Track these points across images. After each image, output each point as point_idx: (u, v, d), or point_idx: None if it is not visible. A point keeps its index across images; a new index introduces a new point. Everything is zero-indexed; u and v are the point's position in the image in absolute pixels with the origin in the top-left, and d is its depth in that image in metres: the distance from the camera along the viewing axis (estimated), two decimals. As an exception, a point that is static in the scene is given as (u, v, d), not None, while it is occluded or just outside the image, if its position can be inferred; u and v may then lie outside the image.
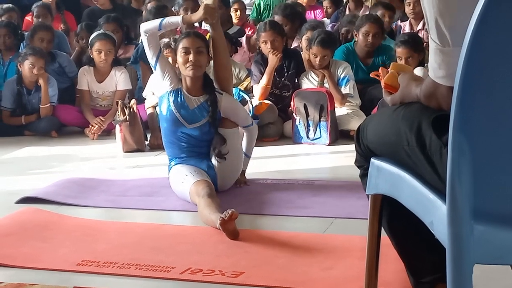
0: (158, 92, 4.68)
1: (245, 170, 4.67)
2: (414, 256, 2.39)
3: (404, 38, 6.28)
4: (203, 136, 4.46)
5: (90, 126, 6.45)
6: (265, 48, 6.30)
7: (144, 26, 4.55)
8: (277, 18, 7.23)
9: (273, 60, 6.21)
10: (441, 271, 2.22)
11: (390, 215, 2.34)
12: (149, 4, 7.91)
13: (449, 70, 1.94)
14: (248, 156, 4.64)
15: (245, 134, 4.60)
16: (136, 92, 6.85)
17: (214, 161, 4.44)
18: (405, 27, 7.72)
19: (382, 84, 2.39)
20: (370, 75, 2.66)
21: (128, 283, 3.17)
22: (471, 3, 1.81)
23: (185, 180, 4.25)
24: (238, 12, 8.24)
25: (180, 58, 4.44)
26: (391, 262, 2.84)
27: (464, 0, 1.87)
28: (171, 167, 4.47)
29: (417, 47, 6.16)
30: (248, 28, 8.21)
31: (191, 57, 4.40)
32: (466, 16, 1.83)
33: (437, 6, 1.91)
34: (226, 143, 4.44)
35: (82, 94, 6.70)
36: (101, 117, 6.46)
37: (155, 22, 4.52)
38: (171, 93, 4.47)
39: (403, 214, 2.16)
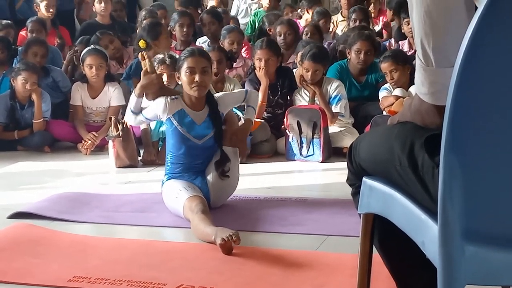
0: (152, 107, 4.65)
1: (252, 121, 4.72)
2: (405, 275, 2.39)
3: (385, 54, 6.40)
4: (206, 151, 4.47)
5: (83, 142, 6.45)
6: (259, 65, 6.32)
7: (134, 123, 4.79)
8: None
9: (264, 80, 6.24)
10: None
11: (382, 233, 2.34)
12: (144, 21, 7.92)
13: (431, 89, 1.97)
14: (253, 108, 4.72)
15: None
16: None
17: (209, 177, 4.44)
18: (404, 45, 7.76)
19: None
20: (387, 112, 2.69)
21: (119, 299, 3.17)
22: (456, 28, 1.83)
23: (178, 195, 4.24)
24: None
25: (184, 77, 4.45)
26: (382, 280, 2.84)
27: (449, 24, 1.89)
28: (164, 182, 4.47)
29: (399, 59, 6.25)
30: (242, 45, 8.21)
31: (196, 77, 4.42)
32: (451, 40, 1.85)
33: (422, 27, 1.92)
34: (230, 161, 4.45)
35: (76, 110, 6.70)
36: (94, 133, 6.46)
37: (131, 117, 4.66)
38: (174, 116, 4.46)
39: (395, 233, 2.16)
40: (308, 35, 7.59)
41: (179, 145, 4.47)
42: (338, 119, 6.27)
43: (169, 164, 4.51)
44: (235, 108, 5.81)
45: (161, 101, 4.52)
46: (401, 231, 2.08)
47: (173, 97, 4.55)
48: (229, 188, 4.57)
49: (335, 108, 6.25)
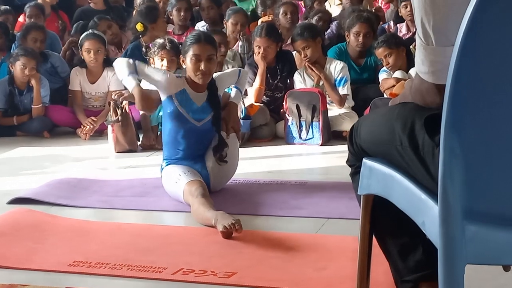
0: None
1: (236, 104, 4.66)
2: (397, 255, 2.39)
3: (378, 40, 6.37)
4: (204, 134, 4.45)
5: (82, 127, 6.44)
6: (258, 51, 6.31)
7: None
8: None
9: (261, 63, 6.23)
10: (426, 269, 2.22)
11: (375, 215, 2.34)
12: (141, 6, 7.89)
13: (431, 67, 1.97)
14: (240, 91, 4.69)
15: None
16: (127, 94, 6.82)
17: (208, 163, 4.43)
18: (402, 28, 7.73)
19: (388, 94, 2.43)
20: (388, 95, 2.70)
21: (120, 283, 3.17)
22: (457, 6, 1.83)
23: (178, 180, 4.24)
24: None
25: (190, 63, 4.40)
26: (383, 263, 2.83)
27: (450, 3, 1.88)
28: (163, 168, 4.46)
29: (392, 43, 6.25)
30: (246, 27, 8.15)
31: (202, 66, 4.37)
32: (451, 18, 1.85)
33: (423, 6, 1.92)
34: (228, 146, 4.44)
35: (74, 95, 6.69)
36: (93, 118, 6.45)
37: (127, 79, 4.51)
38: (176, 95, 4.44)
39: (387, 213, 2.17)
40: (317, 20, 7.60)
41: (177, 128, 4.44)
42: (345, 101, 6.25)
43: (167, 150, 4.49)
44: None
45: (162, 74, 4.49)
46: (391, 212, 2.08)
47: (177, 74, 4.52)
48: (229, 172, 4.57)
49: (342, 90, 6.23)
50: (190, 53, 4.41)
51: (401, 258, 2.36)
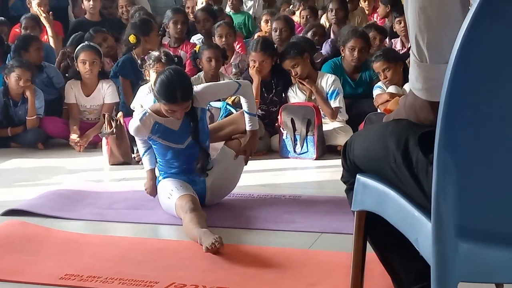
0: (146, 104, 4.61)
1: (256, 131, 4.61)
2: (398, 267, 2.39)
3: (376, 54, 6.39)
4: (191, 151, 4.43)
5: (71, 138, 6.42)
6: (253, 65, 6.32)
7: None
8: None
9: (256, 77, 6.24)
10: (426, 279, 2.22)
11: (374, 228, 2.34)
12: (136, 18, 7.89)
13: (425, 85, 1.97)
14: (253, 115, 4.59)
15: (241, 98, 4.59)
16: (119, 107, 6.79)
17: (209, 178, 4.42)
18: (397, 44, 7.74)
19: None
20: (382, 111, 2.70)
21: (112, 297, 3.16)
22: (451, 24, 1.83)
23: (171, 195, 4.23)
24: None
25: (165, 111, 4.31)
26: (376, 278, 2.84)
27: (444, 21, 1.89)
28: (159, 181, 4.45)
29: (391, 57, 6.27)
30: (236, 42, 8.18)
31: (177, 115, 4.31)
32: (445, 36, 1.85)
33: (417, 23, 1.93)
34: (210, 157, 4.43)
35: (70, 108, 6.69)
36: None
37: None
38: (152, 132, 4.37)
39: (386, 226, 2.16)
40: (312, 35, 7.64)
41: (164, 152, 4.42)
42: (337, 114, 6.26)
43: (161, 165, 4.48)
44: (229, 106, 5.80)
45: (133, 124, 4.42)
46: (390, 226, 2.08)
47: (141, 115, 4.40)
48: (227, 189, 4.58)
49: (334, 103, 6.23)
50: (165, 107, 4.28)
51: (402, 271, 2.36)
